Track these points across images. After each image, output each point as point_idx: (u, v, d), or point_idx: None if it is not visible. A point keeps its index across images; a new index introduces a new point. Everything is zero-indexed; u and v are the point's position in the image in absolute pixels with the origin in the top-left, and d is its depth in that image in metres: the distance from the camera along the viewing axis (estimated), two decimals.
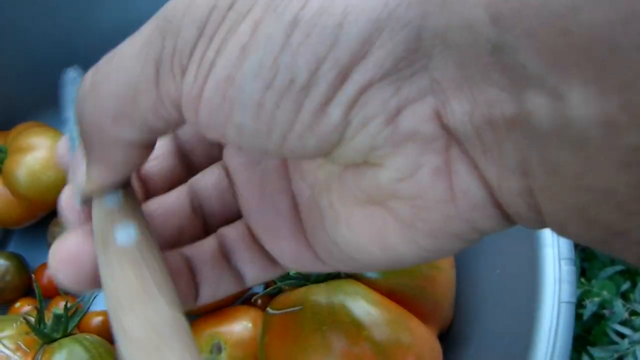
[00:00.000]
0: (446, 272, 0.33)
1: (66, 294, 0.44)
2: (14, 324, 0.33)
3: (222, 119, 0.13)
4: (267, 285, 0.44)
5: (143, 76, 0.14)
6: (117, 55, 0.15)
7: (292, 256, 0.18)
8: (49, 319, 0.34)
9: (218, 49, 0.13)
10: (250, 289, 0.40)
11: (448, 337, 0.35)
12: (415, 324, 0.30)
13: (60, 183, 0.42)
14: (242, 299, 0.42)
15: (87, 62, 0.57)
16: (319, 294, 0.30)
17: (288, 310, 0.30)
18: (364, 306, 0.29)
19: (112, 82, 0.15)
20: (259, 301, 0.39)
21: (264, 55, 0.12)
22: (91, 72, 0.16)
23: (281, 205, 0.18)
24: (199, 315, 0.38)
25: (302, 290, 0.31)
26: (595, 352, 0.45)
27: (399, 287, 0.31)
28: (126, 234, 0.16)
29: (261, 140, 0.13)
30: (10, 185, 0.42)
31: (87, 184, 0.17)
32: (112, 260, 0.16)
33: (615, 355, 0.45)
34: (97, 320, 0.41)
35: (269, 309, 0.31)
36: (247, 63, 0.13)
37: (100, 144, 0.16)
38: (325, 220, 0.16)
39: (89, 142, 0.16)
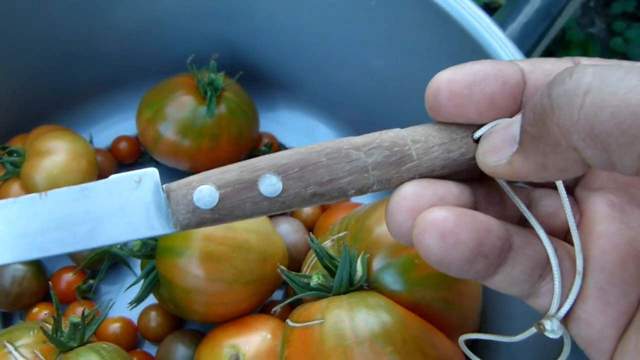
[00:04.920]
0: (473, 284, 0.32)
1: (84, 299, 0.44)
2: (31, 332, 0.32)
3: None
4: (286, 294, 0.43)
5: None
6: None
7: (592, 332, 0.18)
8: (66, 327, 0.33)
9: None
10: (269, 297, 0.39)
11: (473, 352, 0.34)
12: (440, 339, 0.29)
13: None
14: (260, 308, 0.41)
15: (104, 62, 0.57)
16: (341, 307, 0.29)
17: (309, 323, 0.29)
18: (387, 321, 0.28)
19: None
20: (278, 311, 0.38)
21: None
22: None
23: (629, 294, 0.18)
24: (216, 324, 0.37)
25: (324, 302, 0.30)
26: None
27: (424, 300, 0.30)
28: None
29: None
30: (28, 189, 0.42)
31: (507, 166, 0.16)
32: None
33: None
34: (114, 327, 0.41)
35: (289, 321, 0.31)
36: None
37: (556, 145, 0.14)
38: None
39: (542, 135, 0.15)
